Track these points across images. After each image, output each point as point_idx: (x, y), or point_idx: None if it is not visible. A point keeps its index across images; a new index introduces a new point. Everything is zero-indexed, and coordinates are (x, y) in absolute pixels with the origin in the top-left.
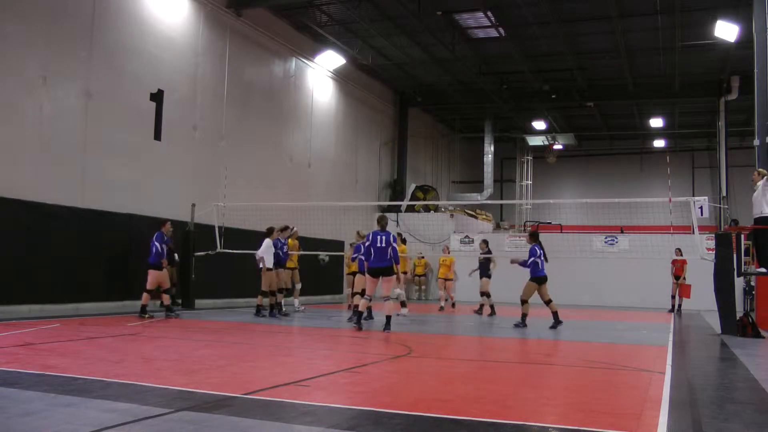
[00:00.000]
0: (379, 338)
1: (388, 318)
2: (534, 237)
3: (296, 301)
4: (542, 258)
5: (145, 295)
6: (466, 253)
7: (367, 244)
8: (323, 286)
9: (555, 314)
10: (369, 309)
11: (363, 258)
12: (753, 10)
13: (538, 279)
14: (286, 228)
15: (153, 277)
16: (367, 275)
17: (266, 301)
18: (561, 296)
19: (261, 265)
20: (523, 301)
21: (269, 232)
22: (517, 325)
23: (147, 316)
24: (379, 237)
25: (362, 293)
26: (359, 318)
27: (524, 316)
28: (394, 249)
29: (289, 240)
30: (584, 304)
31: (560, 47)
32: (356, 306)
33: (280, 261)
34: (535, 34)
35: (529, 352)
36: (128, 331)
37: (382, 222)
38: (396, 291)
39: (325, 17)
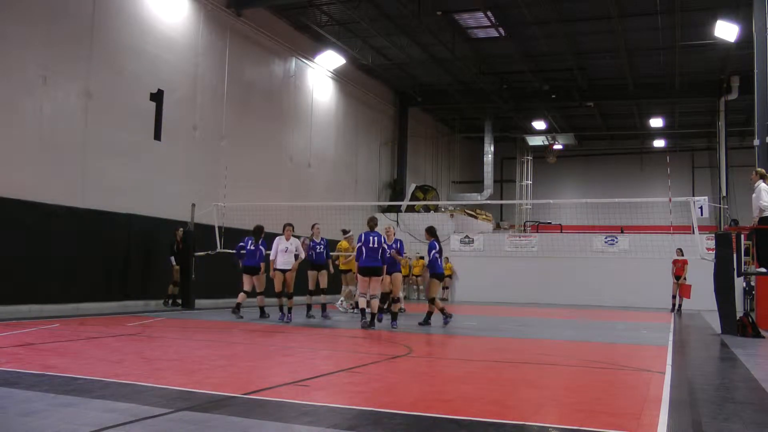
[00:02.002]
0: (379, 338)
1: (373, 315)
2: (432, 233)
3: (341, 301)
4: (439, 254)
5: (259, 297)
6: (466, 253)
7: (359, 244)
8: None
9: (430, 314)
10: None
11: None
12: (753, 10)
13: (439, 275)
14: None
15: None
16: (358, 275)
17: (317, 300)
18: (561, 296)
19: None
20: (432, 299)
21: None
22: (421, 324)
23: (266, 316)
24: (371, 238)
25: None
26: (363, 315)
27: (430, 314)
28: (384, 250)
29: (343, 242)
30: (584, 304)
31: (560, 47)
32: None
33: (313, 261)
34: (535, 34)
35: (529, 352)
36: (128, 331)
37: (371, 223)
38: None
39: (325, 17)
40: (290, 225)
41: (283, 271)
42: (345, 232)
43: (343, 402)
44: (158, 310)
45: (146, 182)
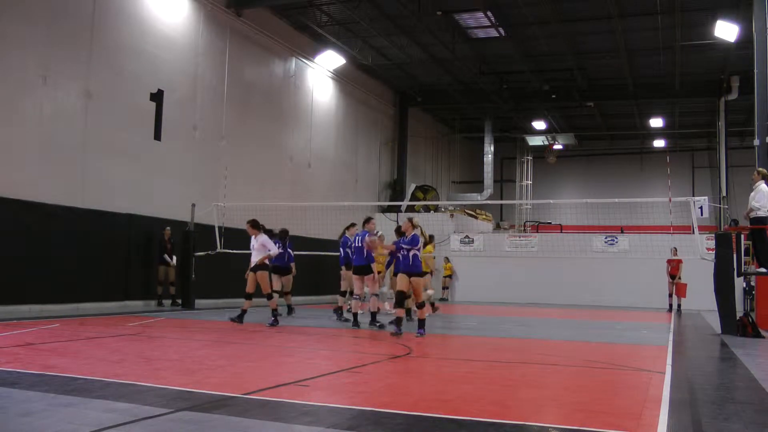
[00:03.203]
0: (380, 338)
1: (373, 314)
2: (399, 232)
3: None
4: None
5: (287, 296)
6: (466, 253)
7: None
8: (323, 286)
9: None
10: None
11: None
12: (753, 10)
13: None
14: (352, 225)
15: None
16: (353, 274)
17: (343, 303)
18: (561, 296)
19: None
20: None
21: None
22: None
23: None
24: (357, 237)
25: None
26: (354, 320)
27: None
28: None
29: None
30: (584, 304)
31: (560, 47)
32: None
33: (351, 262)
34: (535, 34)
35: (529, 352)
36: (128, 331)
37: (365, 223)
38: (428, 292)
39: (325, 17)
40: (250, 221)
41: (254, 270)
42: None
43: (343, 402)
44: (158, 310)
45: (146, 182)
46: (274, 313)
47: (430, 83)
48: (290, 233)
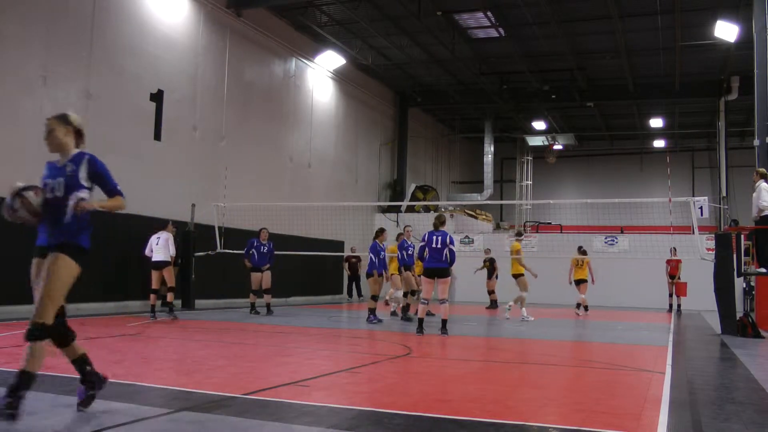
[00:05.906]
0: (379, 338)
1: (444, 321)
2: (377, 234)
3: (524, 310)
4: (375, 255)
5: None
6: (466, 253)
7: (422, 244)
8: (323, 286)
9: (372, 310)
10: (402, 309)
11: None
12: (753, 10)
13: (366, 274)
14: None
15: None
16: (423, 277)
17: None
18: (562, 296)
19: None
20: (375, 297)
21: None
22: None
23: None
24: (434, 237)
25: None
26: (420, 325)
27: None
28: (451, 251)
29: (516, 243)
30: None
31: (560, 47)
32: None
33: (407, 263)
34: (535, 34)
35: (529, 352)
36: (128, 332)
37: (436, 221)
38: (397, 293)
39: (325, 17)
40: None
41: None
42: (519, 234)
43: (343, 402)
44: (158, 310)
45: (146, 182)
46: (153, 308)
47: (430, 83)
48: (290, 233)
